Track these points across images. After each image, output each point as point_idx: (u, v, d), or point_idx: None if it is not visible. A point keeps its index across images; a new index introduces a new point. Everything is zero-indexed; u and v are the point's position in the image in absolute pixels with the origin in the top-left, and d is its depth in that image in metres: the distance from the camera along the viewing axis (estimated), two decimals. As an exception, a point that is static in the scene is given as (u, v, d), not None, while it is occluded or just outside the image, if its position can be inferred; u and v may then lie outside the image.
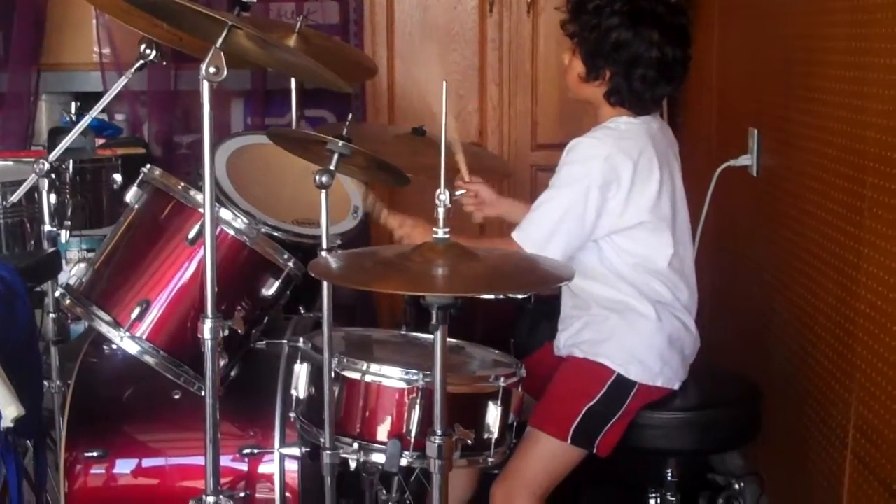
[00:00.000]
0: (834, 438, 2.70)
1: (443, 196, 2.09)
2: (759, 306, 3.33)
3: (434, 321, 2.08)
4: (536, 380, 2.73)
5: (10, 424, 2.42)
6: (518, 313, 3.25)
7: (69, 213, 3.29)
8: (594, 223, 2.67)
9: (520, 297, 3.21)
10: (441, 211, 2.08)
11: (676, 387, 2.76)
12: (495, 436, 2.45)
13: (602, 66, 2.73)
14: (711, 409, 2.81)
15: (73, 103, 4.07)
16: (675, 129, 4.23)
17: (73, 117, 3.99)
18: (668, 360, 2.74)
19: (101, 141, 3.95)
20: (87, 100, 3.19)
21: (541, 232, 2.67)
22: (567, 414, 2.68)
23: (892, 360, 2.38)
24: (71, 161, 3.33)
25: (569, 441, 2.67)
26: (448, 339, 2.67)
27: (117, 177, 3.51)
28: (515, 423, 2.58)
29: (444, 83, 2.08)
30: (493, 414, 2.45)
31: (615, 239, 2.71)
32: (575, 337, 2.79)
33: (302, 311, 3.13)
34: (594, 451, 2.69)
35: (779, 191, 3.17)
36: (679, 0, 2.81)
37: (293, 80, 3.54)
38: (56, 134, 3.68)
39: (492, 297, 3.19)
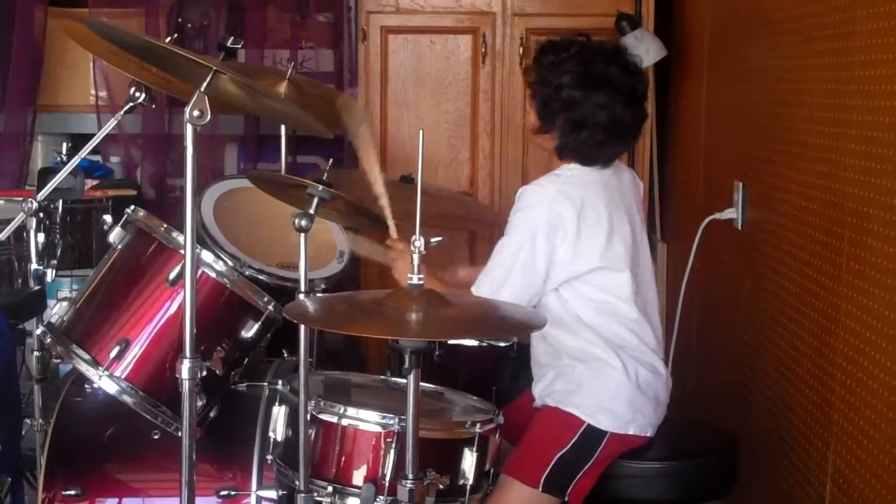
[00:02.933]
0: (811, 491, 2.70)
1: (418, 242, 2.11)
2: (741, 358, 3.33)
3: (407, 365, 2.09)
4: (517, 427, 2.73)
5: (-15, 460, 2.42)
6: (501, 361, 3.24)
7: (58, 253, 3.31)
8: (546, 271, 2.69)
9: (503, 344, 3.21)
10: (416, 257, 2.11)
11: (650, 433, 2.77)
12: (471, 482, 2.46)
13: (552, 122, 2.76)
14: (687, 459, 2.81)
15: (65, 144, 4.09)
16: (663, 182, 4.32)
17: (64, 157, 4.01)
18: (640, 407, 2.74)
19: (93, 182, 3.96)
20: (82, 141, 3.20)
21: (494, 280, 2.69)
22: (539, 462, 2.69)
23: (868, 414, 2.39)
24: (61, 201, 3.35)
25: (540, 488, 2.67)
26: (427, 385, 2.72)
27: (107, 218, 3.53)
28: (492, 471, 2.58)
29: (421, 132, 2.12)
30: (469, 460, 2.46)
31: (574, 285, 2.73)
32: (549, 387, 2.80)
33: (285, 355, 3.13)
34: (566, 499, 2.69)
35: (762, 244, 3.19)
36: (634, 62, 2.79)
37: (283, 126, 3.56)
38: (46, 174, 3.67)
39: (474, 344, 3.19)
